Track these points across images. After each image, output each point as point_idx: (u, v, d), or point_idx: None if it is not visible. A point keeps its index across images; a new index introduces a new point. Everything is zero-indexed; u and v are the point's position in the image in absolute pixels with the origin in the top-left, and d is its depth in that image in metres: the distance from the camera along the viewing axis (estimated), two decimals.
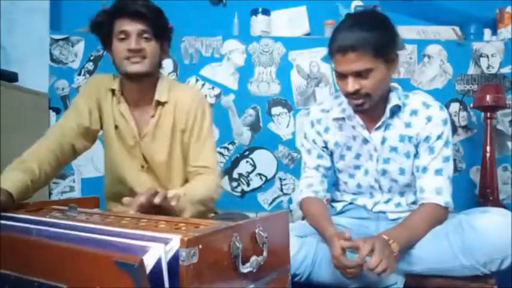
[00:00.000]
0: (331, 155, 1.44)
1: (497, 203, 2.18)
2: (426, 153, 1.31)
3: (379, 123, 1.32)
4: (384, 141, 1.33)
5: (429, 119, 1.31)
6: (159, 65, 1.33)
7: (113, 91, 1.33)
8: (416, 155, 1.33)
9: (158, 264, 0.62)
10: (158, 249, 0.63)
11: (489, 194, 2.20)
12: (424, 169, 1.31)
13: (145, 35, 1.24)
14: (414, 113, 1.32)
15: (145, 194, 0.97)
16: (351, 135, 1.37)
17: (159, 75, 1.35)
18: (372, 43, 1.18)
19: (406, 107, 1.33)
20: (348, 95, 1.26)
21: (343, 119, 1.37)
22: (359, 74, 1.20)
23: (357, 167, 1.39)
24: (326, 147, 1.43)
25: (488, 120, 2.23)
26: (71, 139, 1.28)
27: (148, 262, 0.61)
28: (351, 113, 1.35)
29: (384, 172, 1.35)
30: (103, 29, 1.27)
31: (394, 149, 1.33)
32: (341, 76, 1.24)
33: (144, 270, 0.59)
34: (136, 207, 0.96)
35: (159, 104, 1.32)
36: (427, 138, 1.30)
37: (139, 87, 1.30)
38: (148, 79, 1.29)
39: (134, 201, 0.97)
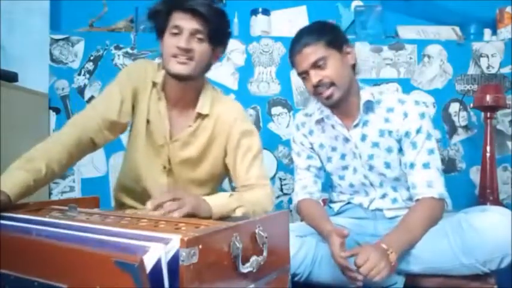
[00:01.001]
0: (319, 156, 1.45)
1: (497, 203, 2.17)
2: (410, 149, 1.33)
3: (356, 121, 1.35)
4: (363, 138, 1.36)
5: (406, 115, 1.33)
6: (207, 69, 1.27)
7: (154, 84, 1.27)
8: (400, 150, 1.35)
9: (158, 264, 0.62)
10: (158, 249, 0.63)
11: (489, 194, 2.19)
12: (412, 165, 1.32)
13: (199, 35, 1.17)
14: (391, 110, 1.35)
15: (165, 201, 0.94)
16: (333, 135, 1.39)
17: (205, 82, 1.31)
18: (321, 35, 1.29)
19: (382, 103, 1.36)
20: (316, 91, 1.31)
21: (323, 119, 1.40)
22: (317, 66, 1.28)
23: (345, 168, 1.41)
24: (313, 148, 1.45)
25: (488, 120, 2.23)
26: (91, 133, 1.20)
27: (148, 262, 0.61)
28: (329, 113, 1.38)
29: (371, 167, 1.37)
30: (159, 19, 1.21)
31: (375, 145, 1.35)
32: (305, 76, 1.32)
33: (144, 270, 0.59)
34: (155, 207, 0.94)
35: (199, 116, 1.28)
36: (407, 134, 1.33)
37: (181, 88, 1.25)
38: (192, 82, 1.24)
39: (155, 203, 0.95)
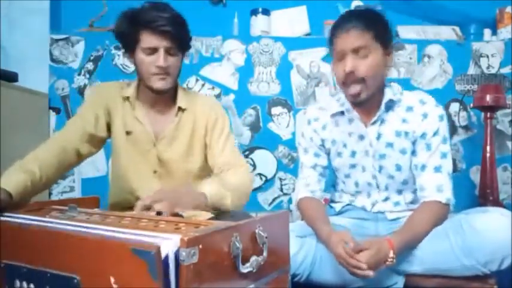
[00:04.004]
0: (328, 153, 1.44)
1: (497, 203, 2.18)
2: (424, 151, 1.31)
3: (375, 118, 1.33)
4: (379, 136, 1.34)
5: (425, 116, 1.31)
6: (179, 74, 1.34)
7: (125, 98, 1.32)
8: (413, 152, 1.33)
9: (165, 260, 0.62)
10: (167, 245, 0.63)
11: (489, 194, 2.20)
12: (423, 167, 1.31)
13: (172, 51, 1.24)
14: (410, 109, 1.33)
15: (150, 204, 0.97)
16: (346, 131, 1.38)
17: (176, 81, 1.36)
18: (373, 24, 1.24)
19: (402, 102, 1.34)
20: (344, 83, 1.27)
21: (341, 113, 1.38)
22: (358, 52, 1.23)
23: (353, 166, 1.39)
24: (323, 145, 1.43)
25: (488, 120, 2.23)
26: (75, 144, 1.26)
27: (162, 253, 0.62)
28: (349, 107, 1.36)
29: (381, 168, 1.35)
30: (127, 39, 1.26)
31: (390, 145, 1.33)
32: (339, 58, 1.27)
33: (160, 257, 0.60)
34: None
35: (180, 109, 1.33)
36: (423, 135, 1.31)
37: (160, 96, 1.31)
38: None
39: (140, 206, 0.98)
